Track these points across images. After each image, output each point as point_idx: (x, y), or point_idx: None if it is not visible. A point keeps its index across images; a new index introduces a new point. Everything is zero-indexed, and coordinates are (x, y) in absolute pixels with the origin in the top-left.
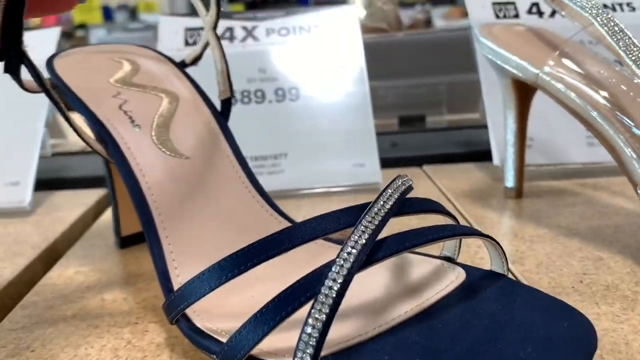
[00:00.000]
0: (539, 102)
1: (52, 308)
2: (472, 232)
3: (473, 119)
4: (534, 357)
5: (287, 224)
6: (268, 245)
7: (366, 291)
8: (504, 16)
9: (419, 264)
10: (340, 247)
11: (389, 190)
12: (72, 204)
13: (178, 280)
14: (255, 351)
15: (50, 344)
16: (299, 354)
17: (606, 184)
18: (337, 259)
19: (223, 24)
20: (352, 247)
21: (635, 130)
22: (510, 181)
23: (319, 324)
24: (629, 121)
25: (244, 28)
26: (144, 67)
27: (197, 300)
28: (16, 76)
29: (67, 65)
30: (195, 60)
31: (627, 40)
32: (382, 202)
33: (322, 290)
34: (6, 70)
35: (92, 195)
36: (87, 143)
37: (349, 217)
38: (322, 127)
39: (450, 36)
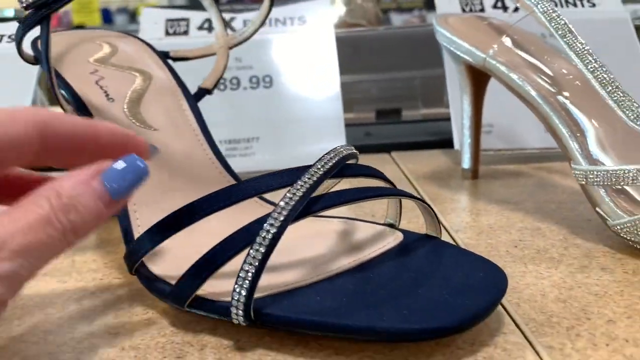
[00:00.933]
0: (498, 90)
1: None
2: (405, 194)
3: (447, 113)
4: (448, 299)
5: None
6: (211, 201)
7: (310, 249)
8: (470, 10)
9: (363, 229)
10: None
11: (330, 155)
12: None
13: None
14: (200, 292)
15: (20, 296)
16: (237, 289)
17: (560, 167)
18: (274, 211)
19: (202, 16)
20: (289, 200)
21: (570, 109)
22: (466, 163)
23: (255, 262)
24: (564, 101)
25: (222, 19)
26: (122, 49)
27: (150, 250)
28: (24, 34)
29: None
30: (182, 59)
31: (562, 26)
32: (321, 164)
33: (259, 235)
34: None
35: None
36: (64, 110)
37: (290, 176)
38: (294, 113)
39: (425, 31)
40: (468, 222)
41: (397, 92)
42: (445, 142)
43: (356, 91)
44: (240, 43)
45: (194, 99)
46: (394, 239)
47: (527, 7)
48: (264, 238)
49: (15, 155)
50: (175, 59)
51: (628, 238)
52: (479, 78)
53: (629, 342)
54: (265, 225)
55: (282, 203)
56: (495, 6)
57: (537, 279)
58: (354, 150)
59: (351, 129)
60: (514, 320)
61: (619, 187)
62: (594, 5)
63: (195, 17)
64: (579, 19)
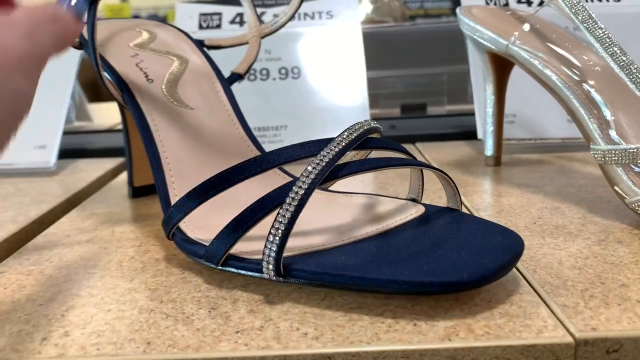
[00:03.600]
0: (522, 81)
1: (69, 236)
2: (427, 166)
3: (471, 109)
4: (467, 258)
5: None
6: (239, 169)
7: (335, 219)
8: (495, 4)
9: (386, 203)
10: None
11: (355, 126)
12: (93, 168)
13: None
14: (233, 251)
15: (66, 259)
16: (268, 246)
17: (581, 157)
18: (301, 175)
19: (234, 10)
20: (316, 165)
21: (590, 92)
22: (489, 150)
23: (285, 221)
24: (585, 85)
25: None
26: (160, 36)
27: (185, 215)
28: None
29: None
30: (216, 48)
31: (582, 11)
32: (346, 134)
33: (288, 196)
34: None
35: (112, 162)
36: (108, 89)
37: (317, 147)
38: (320, 103)
39: (453, 27)
40: (489, 203)
41: (422, 87)
42: (468, 134)
43: (382, 86)
44: (272, 32)
45: (227, 82)
46: (415, 211)
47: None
48: (293, 199)
49: None
50: (210, 47)
51: None
52: (502, 66)
53: None
54: (294, 187)
55: (309, 168)
56: (519, 1)
57: (555, 250)
58: (378, 125)
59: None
60: (529, 283)
61: (637, 166)
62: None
63: (228, 12)
64: (604, 12)
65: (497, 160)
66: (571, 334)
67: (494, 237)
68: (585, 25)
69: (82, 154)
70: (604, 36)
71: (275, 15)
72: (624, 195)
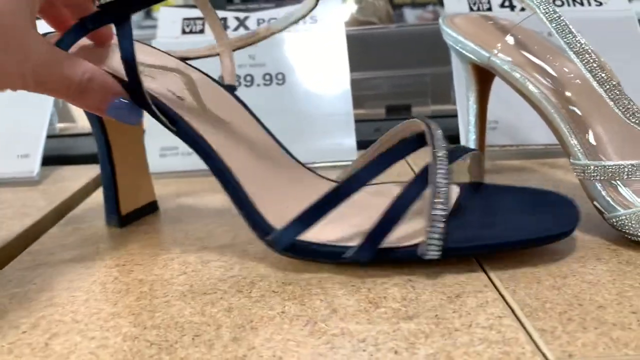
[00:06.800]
0: (504, 87)
1: (53, 254)
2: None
3: (454, 110)
4: (549, 214)
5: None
6: (343, 190)
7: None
8: (478, 9)
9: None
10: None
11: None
12: (77, 176)
13: (269, 218)
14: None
15: (50, 279)
16: (431, 231)
17: (564, 163)
18: (433, 163)
19: (219, 15)
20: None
21: (570, 107)
22: None
23: (440, 207)
24: (565, 99)
25: (237, 18)
26: (142, 59)
27: (307, 229)
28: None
29: None
30: (184, 59)
31: (563, 26)
32: (434, 130)
33: (437, 181)
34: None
35: (95, 169)
36: (157, 115)
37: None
38: (306, 110)
39: (437, 29)
40: None
41: (407, 88)
42: (452, 139)
43: (366, 88)
44: (246, 46)
45: (232, 90)
46: (458, 189)
47: (531, 7)
48: (440, 183)
49: None
50: (181, 59)
51: (623, 230)
52: (484, 76)
53: (616, 326)
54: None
55: (435, 158)
56: (502, 5)
57: (534, 268)
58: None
59: (361, 124)
60: (509, 305)
61: (615, 182)
62: (600, 4)
63: None
64: (586, 17)
65: None
66: None
67: (542, 196)
68: (565, 40)
69: (65, 160)
70: (583, 51)
71: (260, 20)
72: (603, 211)
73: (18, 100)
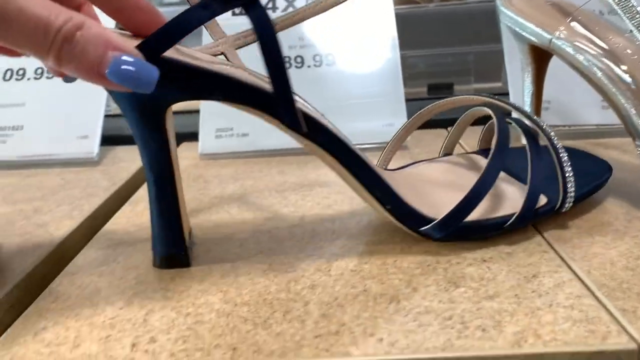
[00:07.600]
0: (557, 68)
1: (130, 233)
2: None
3: (500, 88)
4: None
5: None
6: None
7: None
8: None
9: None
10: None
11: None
12: (132, 157)
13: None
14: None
15: (131, 259)
16: (570, 187)
17: (618, 143)
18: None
19: None
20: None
21: (635, 87)
22: None
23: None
24: (629, 80)
25: None
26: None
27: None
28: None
29: None
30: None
31: (630, 7)
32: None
33: (557, 148)
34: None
35: None
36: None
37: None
38: (356, 90)
39: (479, 7)
40: None
41: (449, 67)
42: None
43: (408, 66)
44: (245, 45)
45: None
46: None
47: None
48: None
49: None
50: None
51: None
52: (542, 57)
53: None
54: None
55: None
56: None
57: (605, 249)
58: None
59: (407, 104)
60: (586, 286)
61: None
62: None
63: None
64: None
65: None
66: (635, 340)
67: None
68: (633, 22)
69: (120, 140)
70: None
71: (309, 0)
72: None
73: (75, 83)
